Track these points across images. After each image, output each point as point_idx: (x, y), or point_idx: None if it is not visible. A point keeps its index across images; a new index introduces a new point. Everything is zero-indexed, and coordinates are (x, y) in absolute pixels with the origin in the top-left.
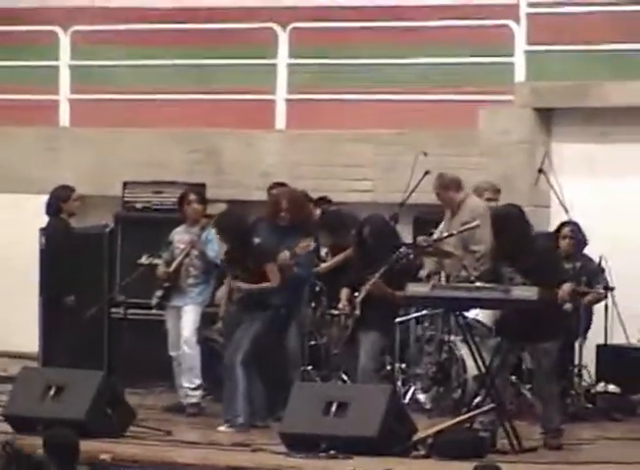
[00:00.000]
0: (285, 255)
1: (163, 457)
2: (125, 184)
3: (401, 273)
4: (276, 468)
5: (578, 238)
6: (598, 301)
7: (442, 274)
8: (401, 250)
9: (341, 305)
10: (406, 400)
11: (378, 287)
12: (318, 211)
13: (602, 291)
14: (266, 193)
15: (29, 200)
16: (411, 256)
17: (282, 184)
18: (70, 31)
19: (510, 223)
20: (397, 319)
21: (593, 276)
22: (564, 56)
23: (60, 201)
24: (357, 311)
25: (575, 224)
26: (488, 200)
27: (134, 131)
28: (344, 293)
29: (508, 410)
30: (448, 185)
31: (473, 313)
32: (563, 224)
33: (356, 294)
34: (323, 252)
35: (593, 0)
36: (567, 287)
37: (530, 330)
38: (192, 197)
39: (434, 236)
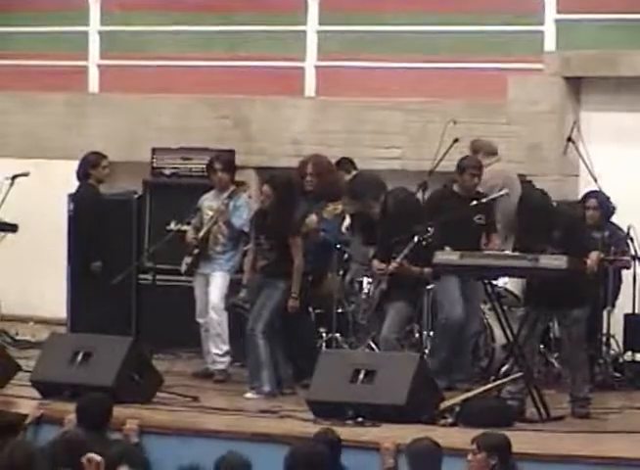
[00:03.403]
0: (313, 219)
1: (191, 423)
2: (154, 150)
3: (427, 250)
4: (303, 435)
5: (603, 208)
6: (623, 268)
7: None
8: (421, 231)
9: (375, 270)
10: None
11: (403, 269)
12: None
13: (629, 259)
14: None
15: (58, 166)
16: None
17: None
18: None
19: (528, 201)
20: (427, 287)
21: (620, 245)
22: (594, 25)
23: (89, 166)
24: (384, 285)
25: (601, 194)
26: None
27: (163, 97)
28: (374, 265)
29: (536, 379)
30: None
31: (501, 282)
32: (587, 195)
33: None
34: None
35: None
36: (594, 255)
37: (559, 298)
38: (217, 165)
39: None
